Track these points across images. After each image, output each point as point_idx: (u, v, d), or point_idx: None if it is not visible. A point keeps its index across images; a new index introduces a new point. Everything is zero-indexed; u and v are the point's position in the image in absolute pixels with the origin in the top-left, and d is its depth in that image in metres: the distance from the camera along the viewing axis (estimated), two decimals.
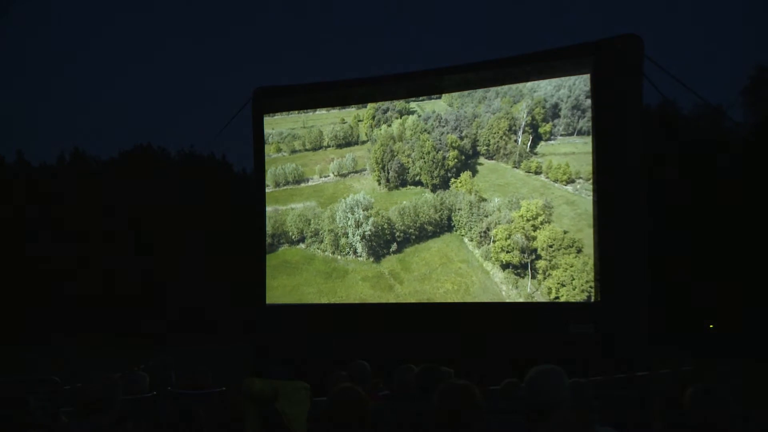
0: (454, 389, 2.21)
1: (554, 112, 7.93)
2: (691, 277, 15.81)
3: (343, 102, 9.45)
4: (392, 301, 8.57)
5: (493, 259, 8.01)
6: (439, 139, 8.58)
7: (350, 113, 9.39)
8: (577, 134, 7.77)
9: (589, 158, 7.66)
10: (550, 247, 7.62)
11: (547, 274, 7.64)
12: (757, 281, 14.88)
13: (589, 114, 7.72)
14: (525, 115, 8.06)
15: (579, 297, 7.44)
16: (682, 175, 16.79)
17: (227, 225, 22.26)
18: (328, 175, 9.46)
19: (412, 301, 8.46)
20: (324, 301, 9.07)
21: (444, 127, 8.59)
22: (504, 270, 7.93)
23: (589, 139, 7.70)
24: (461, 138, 8.47)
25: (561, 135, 7.86)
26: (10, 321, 20.68)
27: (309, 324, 8.82)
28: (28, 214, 23.49)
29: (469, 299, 8.11)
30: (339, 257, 9.10)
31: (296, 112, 9.75)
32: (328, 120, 9.57)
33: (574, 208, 7.60)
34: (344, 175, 9.30)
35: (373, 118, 9.21)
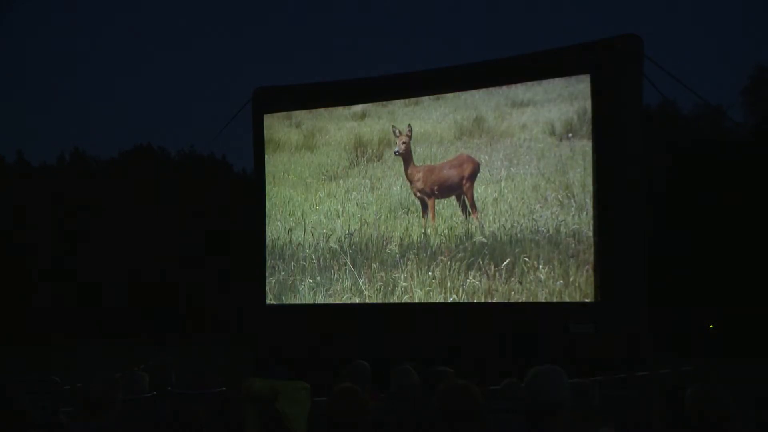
0: (454, 389, 2.21)
1: None
2: (691, 277, 15.83)
3: (343, 101, 9.44)
4: None
5: None
6: None
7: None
8: None
9: None
10: None
11: None
12: (758, 281, 14.89)
13: None
14: None
15: None
16: (682, 175, 16.81)
17: (227, 225, 22.30)
18: None
19: None
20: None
21: None
22: None
23: None
24: None
25: None
26: (10, 321, 20.70)
27: (309, 324, 8.81)
28: (27, 214, 23.51)
29: None
30: None
31: (296, 111, 9.74)
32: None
33: None
34: None
35: None
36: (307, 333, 8.65)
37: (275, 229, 9.42)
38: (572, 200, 7.71)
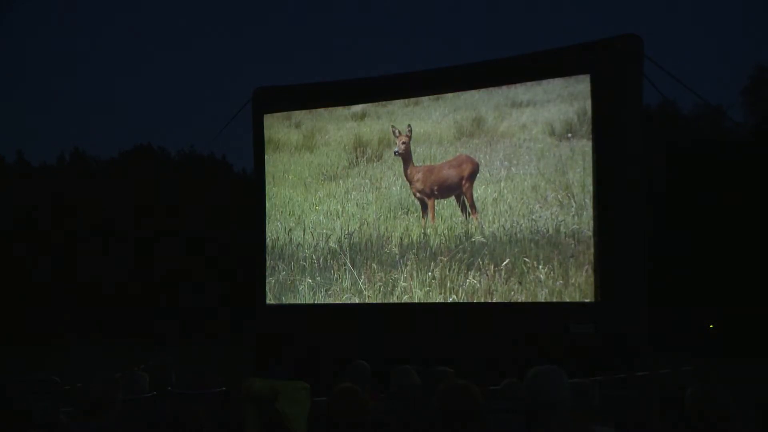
0: (454, 389, 2.21)
1: None
2: (691, 277, 15.83)
3: (343, 101, 9.44)
4: None
5: None
6: None
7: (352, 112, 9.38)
8: None
9: None
10: None
11: None
12: (758, 281, 14.89)
13: None
14: None
15: None
16: (682, 175, 16.82)
17: (227, 225, 22.31)
18: None
19: None
20: None
21: None
22: None
23: None
24: None
25: None
26: (10, 321, 20.70)
27: (309, 324, 8.81)
28: (27, 214, 23.51)
29: None
30: None
31: (296, 111, 9.73)
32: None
33: None
34: None
35: None
36: (307, 333, 8.65)
37: (275, 229, 9.42)
38: (572, 200, 7.71)
